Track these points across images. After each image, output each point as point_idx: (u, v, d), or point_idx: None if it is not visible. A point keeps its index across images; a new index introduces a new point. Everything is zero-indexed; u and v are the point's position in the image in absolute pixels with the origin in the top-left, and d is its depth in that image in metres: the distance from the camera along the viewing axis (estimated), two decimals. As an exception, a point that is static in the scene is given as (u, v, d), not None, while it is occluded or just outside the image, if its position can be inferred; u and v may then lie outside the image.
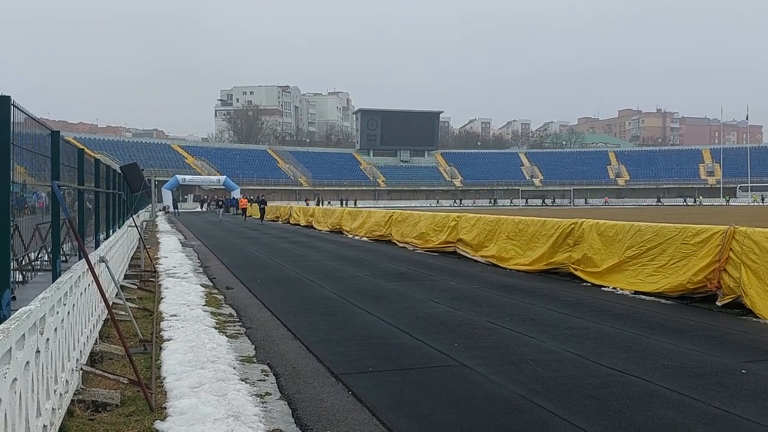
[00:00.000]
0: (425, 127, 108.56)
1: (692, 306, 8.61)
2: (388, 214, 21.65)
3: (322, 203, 73.83)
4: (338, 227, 26.84)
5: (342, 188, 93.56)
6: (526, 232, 13.13)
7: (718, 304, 8.41)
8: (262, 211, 41.18)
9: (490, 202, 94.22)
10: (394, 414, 4.41)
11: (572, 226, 11.73)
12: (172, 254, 16.38)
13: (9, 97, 3.85)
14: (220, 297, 9.76)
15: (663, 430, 4.03)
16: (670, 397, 4.70)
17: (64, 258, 7.04)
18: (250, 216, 46.07)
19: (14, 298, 5.56)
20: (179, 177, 74.51)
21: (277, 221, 39.56)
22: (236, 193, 70.76)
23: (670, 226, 9.74)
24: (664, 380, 5.10)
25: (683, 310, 8.33)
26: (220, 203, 51.30)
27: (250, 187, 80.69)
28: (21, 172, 5.45)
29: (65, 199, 5.82)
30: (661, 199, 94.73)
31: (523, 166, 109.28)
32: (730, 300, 8.29)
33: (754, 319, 7.65)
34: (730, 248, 8.43)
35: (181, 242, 21.51)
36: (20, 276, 6.94)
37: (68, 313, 4.48)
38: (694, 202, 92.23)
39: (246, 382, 5.13)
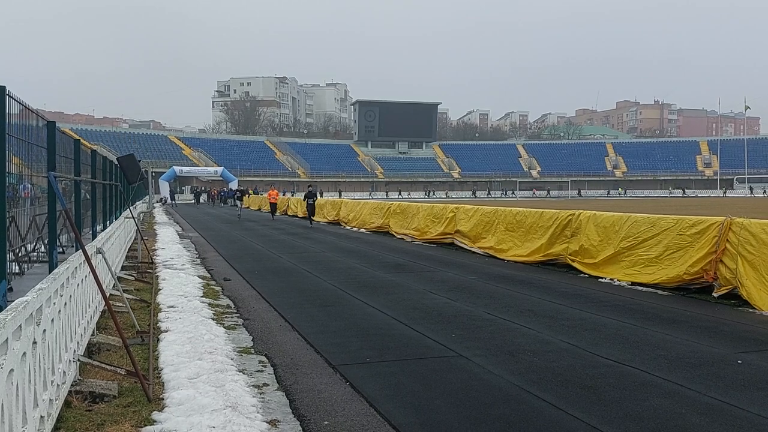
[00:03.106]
0: (423, 119, 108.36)
1: (689, 297, 8.64)
2: (386, 205, 21.65)
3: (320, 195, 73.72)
4: (336, 219, 26.82)
5: (340, 180, 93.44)
6: (524, 224, 13.14)
7: (715, 295, 8.44)
8: (311, 209, 26.79)
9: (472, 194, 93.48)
10: (392, 404, 4.43)
11: (569, 217, 11.74)
12: (170, 246, 16.37)
13: (4, 87, 3.82)
14: (218, 288, 9.76)
15: (658, 420, 4.05)
16: (666, 387, 4.72)
17: (60, 249, 7.02)
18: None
19: (11, 289, 5.55)
20: (176, 168, 74.34)
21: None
22: (234, 185, 70.58)
23: (667, 217, 9.75)
24: (660, 371, 5.13)
25: (680, 301, 8.36)
26: (238, 195, 38.16)
27: (248, 179, 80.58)
28: (17, 163, 5.43)
29: (61, 190, 5.80)
30: (580, 192, 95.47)
31: (520, 157, 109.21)
32: (726, 291, 8.32)
33: (750, 310, 7.68)
34: (727, 239, 8.45)
35: (178, 234, 21.49)
36: (17, 267, 6.92)
37: (65, 304, 4.48)
38: (621, 193, 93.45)
39: (244, 373, 5.14)
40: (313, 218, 27.04)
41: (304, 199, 27.56)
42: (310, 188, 27.83)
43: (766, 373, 5.08)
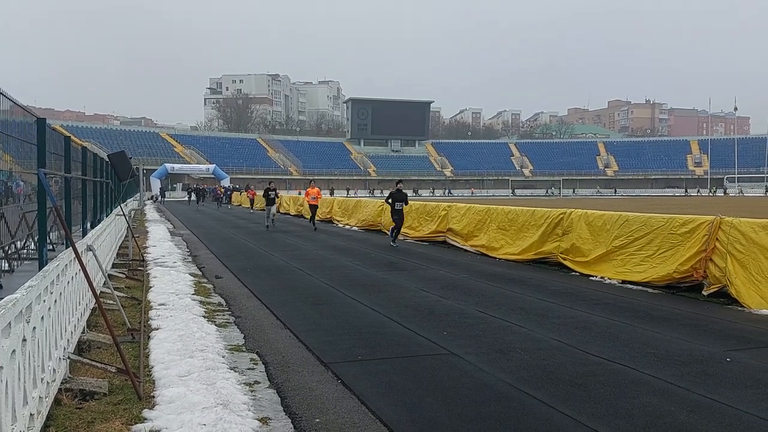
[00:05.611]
0: (416, 117, 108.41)
1: (679, 295, 8.70)
2: (379, 203, 21.65)
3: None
4: (328, 217, 26.78)
5: (333, 177, 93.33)
6: (516, 222, 13.18)
7: (704, 293, 8.51)
8: (399, 219, 16.53)
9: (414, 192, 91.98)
10: (383, 402, 4.43)
11: (561, 216, 11.78)
12: (161, 243, 16.30)
13: (-7, 83, 3.79)
14: (209, 286, 9.73)
15: (648, 417, 4.08)
16: (655, 384, 4.76)
17: (51, 246, 6.98)
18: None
19: (0, 286, 5.52)
20: (168, 166, 74.01)
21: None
22: (226, 182, 70.26)
23: (658, 216, 9.81)
24: (650, 368, 5.16)
25: (670, 300, 8.41)
26: (273, 194, 24.20)
27: (240, 176, 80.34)
28: (7, 160, 5.39)
29: (51, 187, 5.76)
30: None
31: (513, 156, 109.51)
32: (715, 289, 8.38)
33: (739, 308, 7.75)
34: (717, 238, 8.51)
35: (169, 231, 21.40)
36: (6, 264, 6.87)
37: (55, 301, 4.45)
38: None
39: (235, 371, 5.12)
40: (398, 233, 16.77)
41: (387, 200, 17.07)
42: (400, 186, 16.92)
43: (754, 370, 5.12)
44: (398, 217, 16.47)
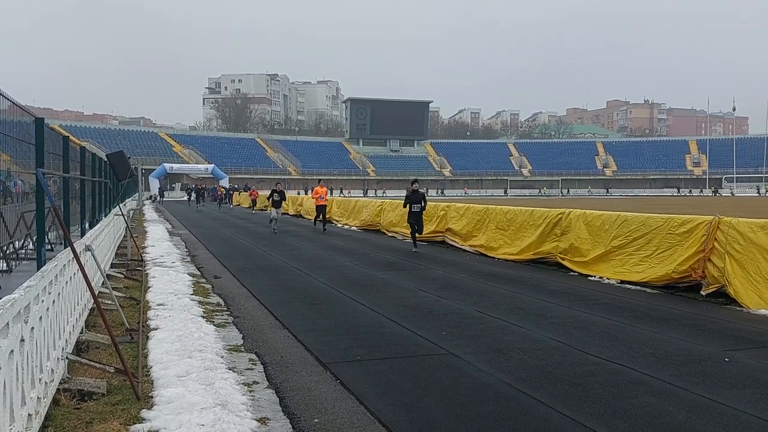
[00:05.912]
0: (415, 117, 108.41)
1: (677, 295, 8.70)
2: (378, 203, 21.65)
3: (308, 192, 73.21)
4: (327, 217, 26.76)
5: (331, 177, 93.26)
6: (514, 222, 13.18)
7: (703, 293, 8.51)
8: (417, 221, 15.17)
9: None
10: (382, 402, 4.43)
11: (560, 216, 11.79)
12: (160, 243, 16.29)
13: (-9, 83, 3.78)
14: (208, 286, 9.72)
15: (646, 418, 4.08)
16: (654, 384, 4.76)
17: (49, 246, 6.97)
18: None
19: (-2, 286, 5.50)
20: (167, 165, 73.91)
21: (266, 210, 39.18)
22: (225, 182, 70.18)
23: (656, 216, 9.82)
24: (648, 368, 5.16)
25: (668, 300, 8.42)
26: (277, 196, 21.97)
27: (239, 176, 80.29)
28: (5, 160, 5.38)
29: (50, 187, 5.75)
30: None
31: (511, 156, 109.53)
32: (714, 289, 8.39)
33: (738, 308, 7.76)
34: (715, 238, 8.51)
35: (168, 231, 21.39)
36: (5, 264, 6.86)
37: (53, 301, 4.45)
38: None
39: (233, 371, 5.12)
40: (418, 237, 15.36)
41: (404, 205, 15.74)
42: (416, 186, 15.53)
43: (752, 370, 5.13)
44: (414, 220, 15.08)
